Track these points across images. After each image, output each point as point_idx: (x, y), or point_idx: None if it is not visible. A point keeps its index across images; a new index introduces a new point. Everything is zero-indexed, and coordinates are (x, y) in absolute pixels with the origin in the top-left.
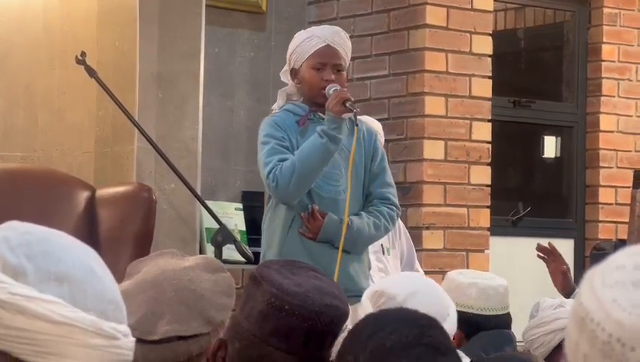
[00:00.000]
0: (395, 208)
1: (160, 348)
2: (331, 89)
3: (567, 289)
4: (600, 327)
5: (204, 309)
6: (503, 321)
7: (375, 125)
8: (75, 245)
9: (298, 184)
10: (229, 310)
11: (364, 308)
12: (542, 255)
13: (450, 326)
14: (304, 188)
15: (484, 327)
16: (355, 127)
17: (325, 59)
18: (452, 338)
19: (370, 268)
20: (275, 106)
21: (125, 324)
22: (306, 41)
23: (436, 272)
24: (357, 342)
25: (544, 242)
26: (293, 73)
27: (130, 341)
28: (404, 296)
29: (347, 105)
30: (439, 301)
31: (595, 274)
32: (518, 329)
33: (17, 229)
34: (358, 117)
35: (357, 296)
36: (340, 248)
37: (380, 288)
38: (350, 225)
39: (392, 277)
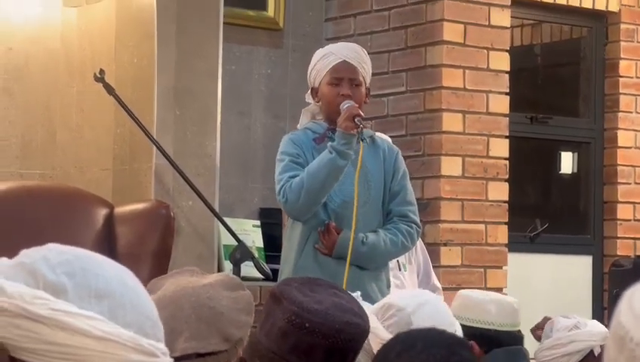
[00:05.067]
0: (414, 226)
1: None
2: (345, 105)
3: None
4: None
5: (223, 326)
6: (519, 337)
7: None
8: (112, 263)
9: (307, 200)
10: (248, 327)
11: (372, 326)
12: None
13: None
14: (314, 204)
15: (504, 344)
16: (361, 142)
17: (341, 74)
18: None
19: (389, 287)
20: (299, 125)
21: (163, 343)
22: (322, 59)
23: (454, 289)
24: (386, 361)
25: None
26: (314, 92)
27: (169, 360)
28: (414, 306)
29: (356, 120)
30: (447, 314)
31: (635, 293)
32: (534, 346)
33: (56, 249)
34: (378, 134)
35: None
36: (347, 262)
37: (387, 302)
38: (365, 241)
39: (396, 293)
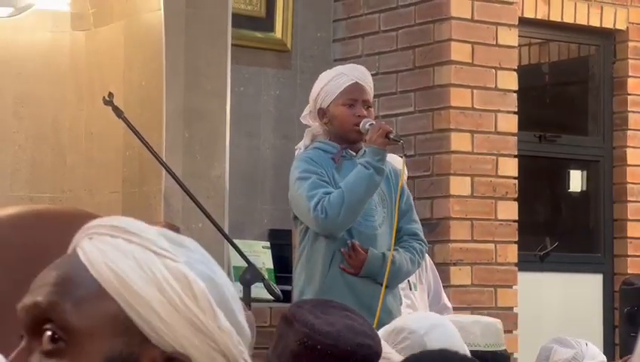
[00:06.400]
0: (424, 244)
1: None
2: (367, 123)
3: None
4: None
5: None
6: (504, 356)
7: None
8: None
9: (347, 215)
10: (250, 347)
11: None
12: None
13: None
14: (352, 219)
15: None
16: (404, 157)
17: (356, 96)
18: None
19: (401, 303)
20: (301, 145)
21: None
22: (333, 80)
23: (465, 308)
24: None
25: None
26: (321, 113)
27: None
28: (427, 328)
29: (391, 137)
30: (457, 336)
31: None
32: None
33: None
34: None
35: None
36: (384, 283)
37: (397, 326)
38: (392, 259)
39: (404, 316)
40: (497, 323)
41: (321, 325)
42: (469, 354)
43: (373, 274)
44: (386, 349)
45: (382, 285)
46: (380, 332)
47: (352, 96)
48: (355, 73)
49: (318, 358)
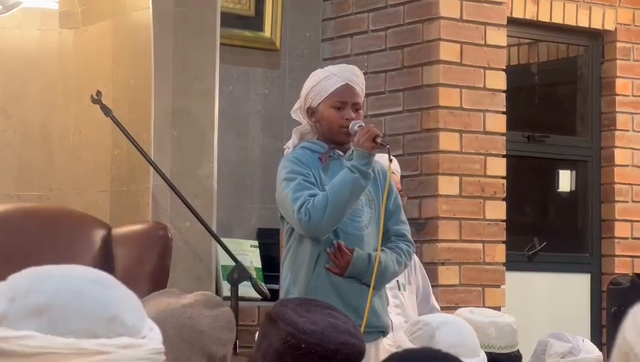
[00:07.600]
0: (411, 245)
1: None
2: (356, 125)
3: None
4: None
5: (205, 345)
6: (517, 358)
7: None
8: (71, 272)
9: (331, 218)
10: (230, 344)
11: (399, 339)
12: None
13: None
14: (336, 222)
15: None
16: (389, 162)
17: (345, 98)
18: None
19: (388, 303)
20: (289, 144)
21: (127, 336)
22: (324, 80)
23: (452, 308)
24: None
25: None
26: (310, 112)
27: (137, 349)
28: (438, 323)
29: (378, 141)
30: (472, 337)
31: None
32: None
33: (17, 275)
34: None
35: (381, 332)
36: (372, 284)
37: (417, 319)
38: (379, 260)
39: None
40: (513, 323)
41: (305, 324)
42: (482, 354)
43: (359, 275)
44: (403, 338)
45: (368, 285)
46: (404, 327)
47: (342, 98)
48: (347, 74)
49: (302, 357)
